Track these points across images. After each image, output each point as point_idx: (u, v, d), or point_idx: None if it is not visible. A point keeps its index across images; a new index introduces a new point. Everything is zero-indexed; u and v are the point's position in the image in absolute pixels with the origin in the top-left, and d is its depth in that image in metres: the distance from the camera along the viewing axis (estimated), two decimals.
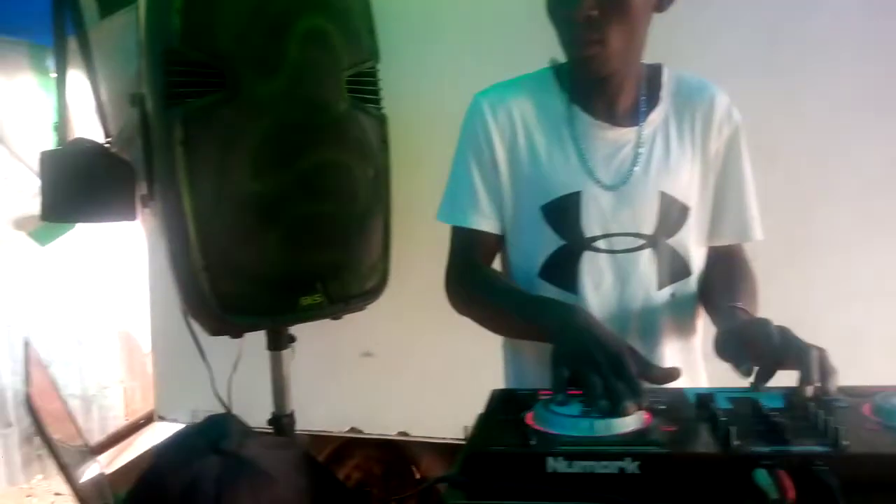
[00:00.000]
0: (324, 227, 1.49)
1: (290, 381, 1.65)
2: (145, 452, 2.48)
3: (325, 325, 1.71)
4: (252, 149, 1.40)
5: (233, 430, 0.75)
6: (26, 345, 0.76)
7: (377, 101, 1.59)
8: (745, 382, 0.89)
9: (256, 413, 1.73)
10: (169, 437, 0.77)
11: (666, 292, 1.13)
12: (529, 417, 0.80)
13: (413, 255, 1.77)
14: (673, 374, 0.86)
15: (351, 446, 2.23)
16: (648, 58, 1.16)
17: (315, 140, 1.48)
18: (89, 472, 0.62)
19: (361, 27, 1.54)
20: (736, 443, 0.66)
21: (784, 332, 0.90)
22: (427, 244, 1.46)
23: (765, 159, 1.56)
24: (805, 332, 1.66)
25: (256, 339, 1.65)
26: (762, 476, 0.63)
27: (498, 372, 1.30)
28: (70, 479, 0.60)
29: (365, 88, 1.55)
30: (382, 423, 2.11)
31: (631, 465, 0.67)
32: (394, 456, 2.25)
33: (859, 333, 1.78)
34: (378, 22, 1.60)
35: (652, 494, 0.65)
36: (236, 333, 1.50)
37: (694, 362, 1.17)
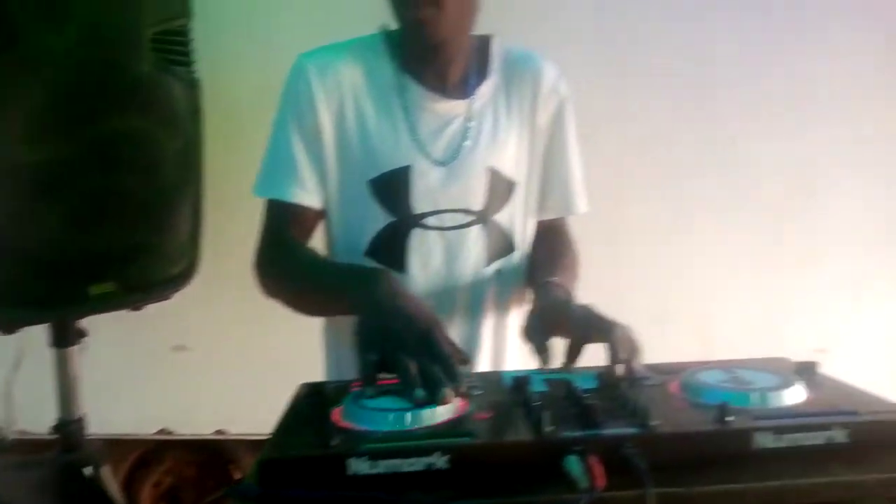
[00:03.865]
0: (120, 203, 1.30)
1: (78, 381, 1.45)
2: None
3: (129, 315, 1.53)
4: (32, 111, 1.19)
5: None
6: None
7: (189, 64, 1.42)
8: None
9: (45, 418, 1.51)
10: None
11: (492, 268, 1.11)
12: (337, 414, 0.72)
13: (230, 237, 1.62)
14: (466, 359, 0.82)
15: (161, 449, 2.03)
16: (482, 31, 1.13)
17: (111, 104, 1.29)
18: None
19: None
20: (548, 428, 0.63)
21: (588, 310, 0.89)
22: (246, 224, 1.33)
23: (583, 140, 1.60)
24: (620, 310, 1.73)
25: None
26: (573, 463, 0.60)
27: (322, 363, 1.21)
28: None
29: (174, 48, 1.38)
30: (196, 422, 1.94)
31: (440, 461, 0.61)
32: (209, 456, 2.07)
33: (669, 310, 1.90)
34: None
35: (462, 490, 0.60)
36: (9, 328, 1.27)
37: (517, 338, 1.16)
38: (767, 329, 1.89)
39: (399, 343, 0.77)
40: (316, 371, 1.25)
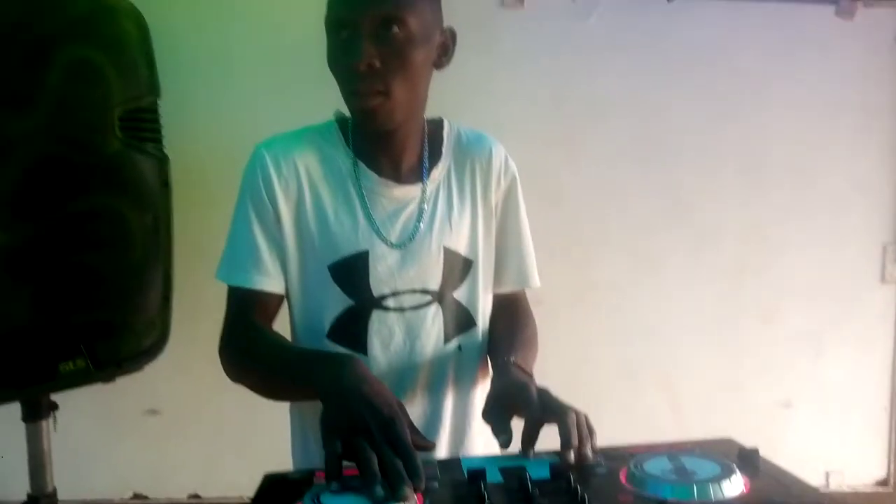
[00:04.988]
0: (90, 281, 1.32)
1: (50, 454, 1.44)
2: None
3: None
4: (1, 196, 1.22)
5: None
6: None
7: (158, 140, 1.45)
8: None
9: (15, 491, 1.50)
10: None
11: (453, 345, 1.13)
12: None
13: (201, 303, 1.64)
14: (430, 446, 0.86)
15: None
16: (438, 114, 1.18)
17: (80, 183, 1.32)
18: None
19: (139, 59, 1.41)
20: None
21: (543, 395, 0.92)
22: (217, 289, 1.37)
23: (549, 207, 1.65)
24: (589, 368, 1.77)
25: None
26: None
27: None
28: None
29: (143, 126, 1.41)
30: (171, 485, 1.93)
31: None
32: None
33: (636, 367, 1.94)
34: (165, 56, 1.47)
35: None
36: None
37: (480, 414, 1.18)
38: (732, 383, 1.94)
39: (362, 432, 0.79)
40: (287, 433, 1.26)
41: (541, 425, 0.88)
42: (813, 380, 1.98)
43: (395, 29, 0.97)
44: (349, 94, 1.02)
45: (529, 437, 0.88)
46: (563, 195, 1.88)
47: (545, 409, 0.88)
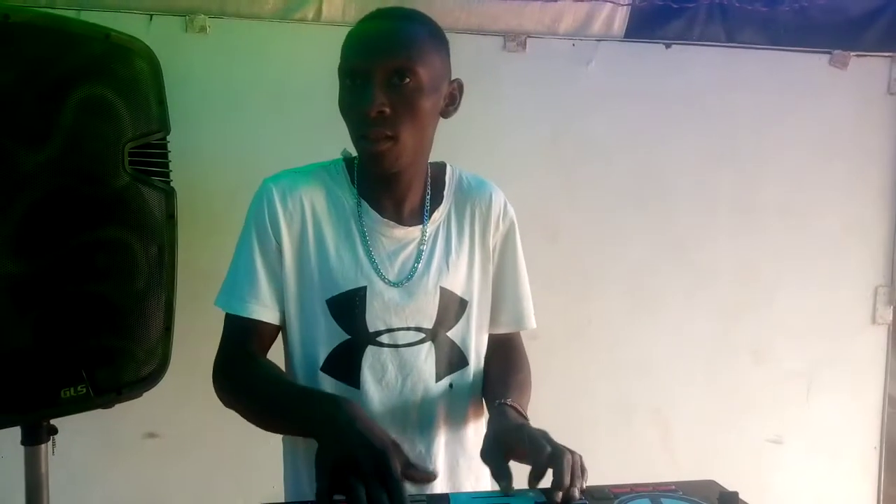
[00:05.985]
0: (94, 309, 1.35)
1: (48, 477, 1.46)
2: None
3: None
4: (10, 225, 1.26)
5: None
6: None
7: (165, 174, 1.49)
8: None
9: None
10: None
11: (444, 383, 1.16)
12: None
13: (203, 330, 1.67)
14: (430, 476, 0.89)
15: None
16: (442, 155, 1.22)
17: (88, 215, 1.35)
18: None
19: (150, 97, 1.45)
20: None
21: (545, 436, 0.95)
22: (218, 319, 1.41)
23: (546, 244, 1.67)
24: (583, 402, 1.79)
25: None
26: None
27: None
28: None
29: (151, 160, 1.45)
30: None
31: None
32: None
33: (629, 402, 1.96)
34: (176, 93, 1.52)
35: None
36: None
37: (472, 451, 1.20)
38: (723, 420, 1.96)
39: (352, 468, 0.82)
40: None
41: (546, 468, 0.91)
42: (803, 418, 2.00)
43: (406, 79, 1.02)
44: (359, 137, 1.07)
45: (538, 475, 0.91)
46: (560, 232, 1.92)
47: (546, 451, 0.91)
